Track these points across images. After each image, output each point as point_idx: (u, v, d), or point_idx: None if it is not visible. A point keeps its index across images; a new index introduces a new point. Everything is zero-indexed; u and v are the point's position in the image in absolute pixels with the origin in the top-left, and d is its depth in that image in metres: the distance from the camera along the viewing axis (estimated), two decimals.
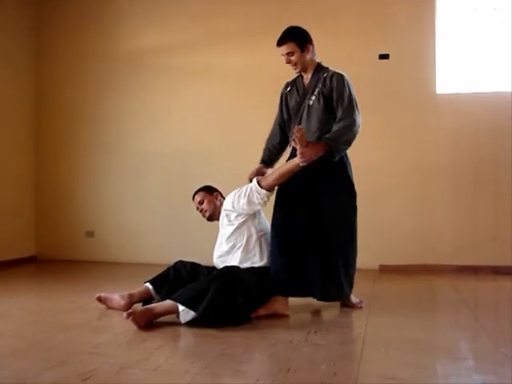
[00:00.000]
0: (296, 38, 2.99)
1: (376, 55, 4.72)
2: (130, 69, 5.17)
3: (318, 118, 2.99)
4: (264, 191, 2.96)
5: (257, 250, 3.02)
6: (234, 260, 3.03)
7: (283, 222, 2.99)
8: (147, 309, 2.69)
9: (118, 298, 3.01)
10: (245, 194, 3.00)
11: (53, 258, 5.21)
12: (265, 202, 3.02)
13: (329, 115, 2.99)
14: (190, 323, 2.63)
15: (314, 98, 3.02)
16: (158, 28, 5.14)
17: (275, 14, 4.70)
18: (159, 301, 2.86)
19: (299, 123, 3.00)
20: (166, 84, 5.09)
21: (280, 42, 3.00)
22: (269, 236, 3.06)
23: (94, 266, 4.90)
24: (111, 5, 5.25)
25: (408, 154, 4.68)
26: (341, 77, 2.99)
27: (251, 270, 2.95)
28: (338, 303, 3.16)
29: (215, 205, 3.23)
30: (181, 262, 3.15)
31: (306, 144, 2.81)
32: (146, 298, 3.01)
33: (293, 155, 3.01)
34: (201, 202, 3.25)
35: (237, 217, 3.06)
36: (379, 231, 4.65)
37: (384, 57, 4.69)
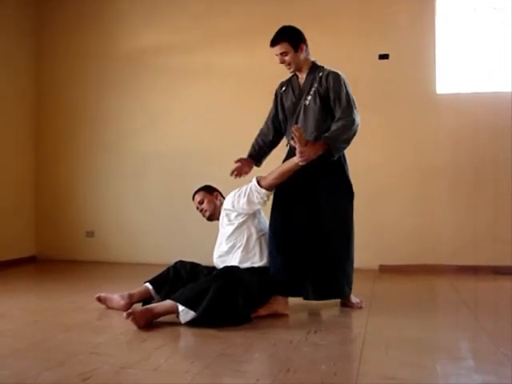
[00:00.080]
0: (289, 38, 2.98)
1: (376, 55, 4.72)
2: (130, 69, 5.17)
3: (314, 118, 2.99)
4: (264, 190, 2.96)
5: (257, 249, 3.03)
6: (233, 260, 3.03)
7: (282, 221, 2.99)
8: (147, 309, 2.69)
9: (117, 298, 3.01)
10: (245, 193, 3.00)
11: (53, 258, 5.21)
12: (264, 202, 3.03)
13: (325, 115, 2.99)
14: (190, 323, 2.63)
15: (310, 97, 3.01)
16: (158, 28, 5.14)
17: (275, 14, 4.70)
18: (159, 301, 2.86)
19: (296, 123, 2.99)
20: (166, 84, 5.09)
21: (273, 43, 2.99)
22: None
23: (94, 266, 4.90)
24: (111, 5, 5.25)
25: (408, 154, 4.68)
26: (337, 76, 2.99)
27: (251, 270, 2.95)
28: (337, 303, 3.17)
29: (215, 204, 3.23)
30: (181, 261, 3.15)
31: (305, 143, 2.81)
32: (146, 298, 3.01)
33: (290, 155, 3.01)
34: (201, 202, 3.25)
35: (237, 216, 3.06)
36: (379, 231, 4.66)
37: (384, 57, 4.69)
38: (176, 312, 2.65)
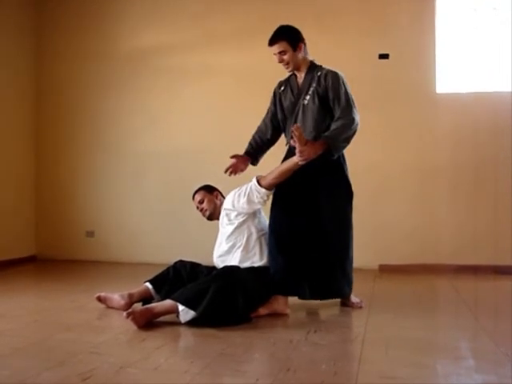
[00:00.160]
0: (288, 37, 2.98)
1: (376, 55, 4.72)
2: (130, 69, 5.17)
3: (313, 118, 2.99)
4: (263, 190, 2.96)
5: (257, 249, 3.02)
6: (233, 259, 3.03)
7: (281, 220, 2.99)
8: (147, 308, 2.69)
9: (117, 297, 3.01)
10: (245, 193, 3.00)
11: (53, 258, 5.21)
12: (264, 201, 3.02)
13: (324, 114, 2.99)
14: (190, 323, 2.63)
15: (308, 97, 3.01)
16: (158, 28, 5.14)
17: (274, 13, 4.68)
18: (159, 300, 2.86)
19: (295, 123, 2.99)
20: (166, 84, 5.09)
21: (272, 42, 2.99)
22: None
23: (94, 266, 4.90)
24: (111, 5, 5.25)
25: (408, 154, 4.68)
26: (335, 75, 2.98)
27: (251, 270, 2.95)
28: (337, 303, 3.17)
29: (215, 204, 3.23)
30: (181, 261, 3.15)
31: (305, 142, 2.81)
32: (146, 298, 3.01)
33: (290, 154, 3.01)
34: (201, 202, 3.25)
35: (237, 216, 3.06)
36: (379, 231, 4.66)
37: (384, 56, 4.69)
38: (176, 312, 2.65)
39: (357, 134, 2.95)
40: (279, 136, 3.27)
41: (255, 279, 2.88)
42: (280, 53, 2.98)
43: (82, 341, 2.40)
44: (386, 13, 4.73)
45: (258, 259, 3.01)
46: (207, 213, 3.23)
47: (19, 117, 5.18)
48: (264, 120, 3.28)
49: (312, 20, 4.69)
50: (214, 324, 2.60)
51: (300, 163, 2.85)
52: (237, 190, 3.07)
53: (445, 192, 4.65)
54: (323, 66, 3.07)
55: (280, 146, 3.24)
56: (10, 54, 5.03)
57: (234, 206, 3.04)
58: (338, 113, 2.94)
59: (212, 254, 3.22)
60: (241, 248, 3.03)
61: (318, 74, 3.02)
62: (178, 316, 2.65)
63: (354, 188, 3.09)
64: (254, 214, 3.08)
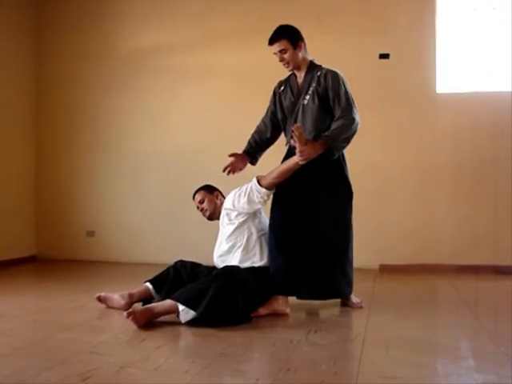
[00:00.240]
0: (288, 36, 2.98)
1: (376, 55, 4.72)
2: (130, 69, 5.17)
3: (313, 118, 2.99)
4: (264, 190, 2.96)
5: (257, 249, 3.02)
6: (234, 259, 3.03)
7: (281, 220, 2.99)
8: (147, 308, 2.69)
9: (118, 297, 3.01)
10: (245, 192, 3.00)
11: (53, 258, 5.21)
12: (265, 201, 3.02)
13: (324, 114, 2.98)
14: (190, 323, 2.63)
15: (308, 97, 3.01)
16: (158, 28, 5.14)
17: (274, 13, 4.68)
18: (159, 300, 2.86)
19: (295, 123, 2.99)
20: (166, 84, 5.09)
21: (272, 40, 2.98)
22: None
23: (95, 266, 4.90)
24: (111, 5, 5.25)
25: (408, 154, 4.68)
26: (335, 74, 2.98)
27: (251, 270, 2.95)
28: (338, 303, 3.16)
29: (215, 204, 3.23)
30: (181, 261, 3.15)
31: (305, 142, 2.81)
32: (146, 298, 3.01)
33: (290, 154, 3.01)
34: (201, 202, 3.25)
35: (237, 216, 3.06)
36: (379, 231, 4.66)
37: (384, 56, 4.69)
38: (176, 311, 2.65)
39: (357, 133, 2.95)
40: (279, 135, 3.27)
41: (255, 279, 2.88)
42: (280, 51, 2.98)
43: (82, 341, 2.40)
44: (386, 13, 4.73)
45: (258, 259, 3.01)
46: (207, 213, 3.23)
47: (19, 117, 5.18)
48: (263, 119, 3.27)
49: (312, 20, 4.69)
50: (214, 324, 2.60)
51: (300, 163, 2.85)
52: (237, 189, 3.07)
53: (445, 192, 4.65)
54: (323, 65, 3.07)
55: (280, 146, 3.24)
56: (10, 54, 5.03)
57: (234, 206, 3.04)
58: (338, 112, 2.93)
59: (212, 253, 3.22)
60: (241, 248, 3.03)
61: (318, 73, 3.01)
62: (178, 316, 2.65)
63: (354, 188, 3.09)
64: (254, 214, 3.07)
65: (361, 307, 3.10)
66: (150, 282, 3.06)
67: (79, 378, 1.91)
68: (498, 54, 4.64)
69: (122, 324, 2.64)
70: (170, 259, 3.32)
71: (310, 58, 3.10)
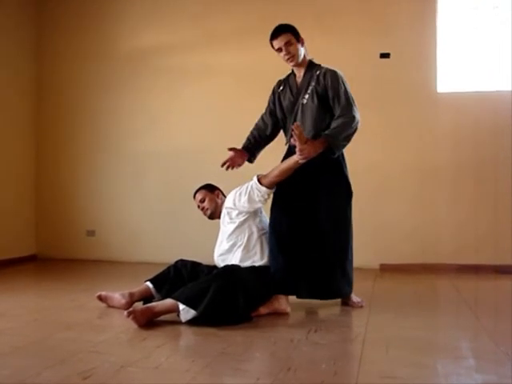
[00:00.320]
0: (291, 30, 2.98)
1: (376, 55, 4.72)
2: (130, 69, 5.17)
3: (312, 117, 2.98)
4: (264, 188, 2.96)
5: (257, 248, 3.02)
6: (234, 258, 3.03)
7: (281, 220, 2.99)
8: (148, 307, 2.69)
9: (118, 296, 3.01)
10: (245, 191, 3.00)
11: (53, 257, 5.21)
12: (265, 200, 3.02)
13: (323, 113, 2.98)
14: (191, 322, 2.63)
15: (307, 96, 3.00)
16: (158, 28, 5.14)
17: (274, 13, 4.67)
18: (160, 300, 2.86)
19: (294, 122, 2.98)
20: (166, 84, 5.09)
21: (276, 34, 2.96)
22: None
23: (95, 265, 4.91)
24: (111, 5, 5.25)
25: (408, 153, 4.68)
26: (334, 74, 2.98)
27: (252, 269, 2.95)
28: (338, 302, 3.16)
29: (216, 203, 3.23)
30: (181, 260, 3.15)
31: (305, 141, 2.81)
32: (147, 297, 3.01)
33: (290, 153, 3.01)
34: (202, 201, 3.25)
35: (238, 215, 3.06)
36: (380, 230, 4.66)
37: (385, 56, 4.69)
38: (177, 311, 2.65)
39: (357, 133, 2.94)
40: (278, 132, 3.27)
41: (256, 278, 2.87)
42: (286, 44, 2.95)
43: (82, 340, 2.40)
44: (386, 13, 4.73)
45: (258, 258, 3.01)
46: (208, 212, 3.23)
47: (19, 117, 5.18)
48: (263, 117, 3.27)
49: (312, 20, 4.69)
50: (215, 323, 2.60)
51: (300, 162, 2.85)
52: (238, 188, 3.07)
53: (445, 192, 4.65)
54: (322, 64, 3.07)
55: (280, 143, 3.24)
56: (10, 54, 5.03)
57: (235, 205, 3.04)
58: (338, 111, 2.93)
59: (212, 253, 3.22)
60: (241, 247, 3.03)
61: (317, 72, 3.01)
62: (178, 315, 2.65)
63: (354, 188, 3.09)
64: (255, 213, 3.08)
65: (361, 307, 3.10)
66: (151, 281, 3.06)
67: (79, 377, 1.91)
68: (498, 53, 4.64)
69: (122, 323, 2.64)
70: (171, 258, 3.33)
71: (309, 57, 3.10)
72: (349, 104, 2.92)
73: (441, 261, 4.58)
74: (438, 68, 4.67)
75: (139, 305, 2.90)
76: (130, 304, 2.95)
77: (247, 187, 3.01)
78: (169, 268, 3.12)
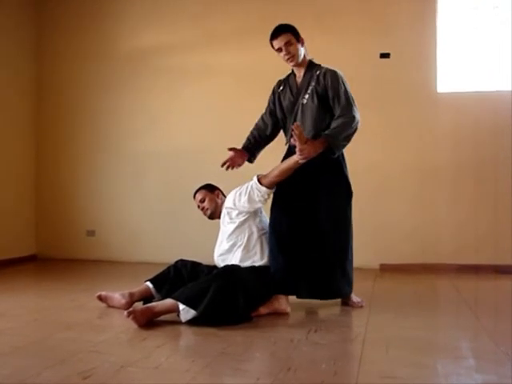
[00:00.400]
0: (291, 30, 2.98)
1: (376, 55, 4.72)
2: (130, 69, 5.17)
3: (312, 117, 2.98)
4: (264, 188, 2.96)
5: (257, 248, 3.02)
6: (234, 258, 3.03)
7: (281, 220, 2.99)
8: (148, 307, 2.69)
9: (118, 296, 3.01)
10: (245, 191, 3.00)
11: (53, 257, 5.21)
12: (265, 200, 3.02)
13: (324, 113, 2.98)
14: (191, 322, 2.63)
15: (307, 96, 3.00)
16: (158, 28, 5.14)
17: (274, 13, 4.68)
18: (160, 300, 2.86)
19: (294, 122, 2.98)
20: (166, 84, 5.09)
21: (276, 34, 2.96)
22: None
23: (95, 265, 4.91)
24: (111, 5, 5.25)
25: (408, 153, 4.68)
26: (334, 73, 2.98)
27: (252, 269, 2.95)
28: (338, 302, 3.16)
29: (216, 203, 3.23)
30: (181, 260, 3.15)
31: (305, 141, 2.81)
32: (147, 297, 3.01)
33: (290, 153, 3.00)
34: (202, 201, 3.25)
35: (238, 215, 3.06)
36: (380, 230, 4.66)
37: (385, 56, 4.69)
38: (177, 311, 2.65)
39: (357, 133, 2.94)
40: (278, 132, 3.27)
41: (256, 278, 2.87)
42: (286, 44, 2.95)
43: (82, 340, 2.40)
44: (386, 13, 4.73)
45: (258, 258, 3.01)
46: (208, 212, 3.23)
47: (19, 117, 5.18)
48: (263, 117, 3.27)
49: (312, 20, 4.69)
50: (215, 323, 2.60)
51: (300, 162, 2.85)
52: (238, 188, 3.07)
53: (445, 191, 4.65)
54: (322, 64, 3.07)
55: (280, 143, 3.24)
56: (10, 54, 5.03)
57: (235, 205, 3.04)
58: (338, 111, 2.93)
59: (212, 253, 3.22)
60: (241, 247, 3.03)
61: (317, 72, 3.01)
62: (178, 315, 2.65)
63: (354, 188, 3.09)
64: (255, 213, 3.08)
65: (361, 306, 3.10)
66: (151, 281, 3.06)
67: (79, 377, 1.90)
68: (498, 53, 4.64)
69: (122, 323, 2.64)
70: (171, 258, 3.33)
71: (308, 57, 3.09)
72: (349, 104, 2.92)
73: (441, 261, 4.58)
74: (438, 68, 4.67)
75: (139, 305, 2.90)
76: (130, 304, 2.95)
77: (247, 187, 3.01)
78: (169, 268, 3.12)
